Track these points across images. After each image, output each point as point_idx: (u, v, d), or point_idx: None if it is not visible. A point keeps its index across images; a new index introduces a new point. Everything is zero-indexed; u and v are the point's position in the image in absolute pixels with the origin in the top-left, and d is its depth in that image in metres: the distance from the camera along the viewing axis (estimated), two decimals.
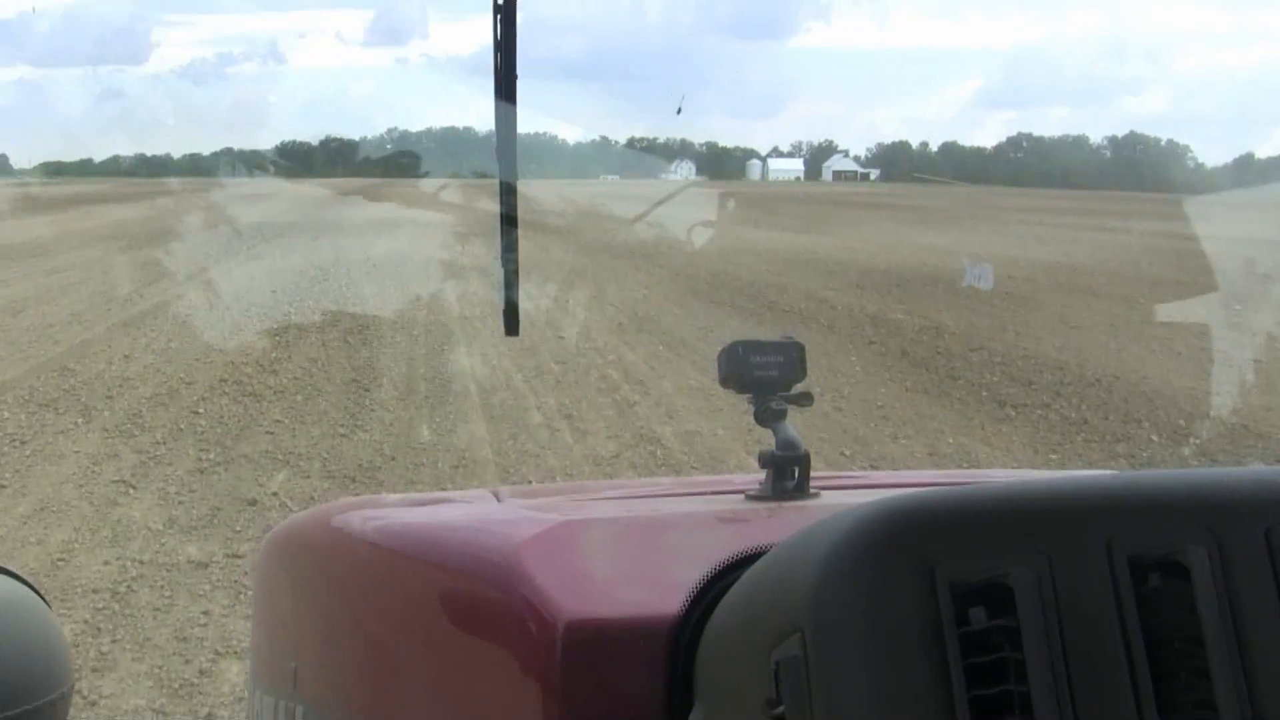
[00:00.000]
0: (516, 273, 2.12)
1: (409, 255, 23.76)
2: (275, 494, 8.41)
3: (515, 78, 2.00)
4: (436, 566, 1.45)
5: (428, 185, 47.21)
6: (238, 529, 7.69)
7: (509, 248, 2.10)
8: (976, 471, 3.43)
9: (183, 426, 10.30)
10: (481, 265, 21.35)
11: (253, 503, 8.21)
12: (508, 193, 2.06)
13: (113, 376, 12.35)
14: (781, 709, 0.89)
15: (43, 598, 1.48)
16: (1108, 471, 1.25)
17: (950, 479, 2.04)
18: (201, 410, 10.91)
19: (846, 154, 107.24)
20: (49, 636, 1.40)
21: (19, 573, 1.45)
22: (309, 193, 46.20)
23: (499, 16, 1.97)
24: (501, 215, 2.07)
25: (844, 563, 0.88)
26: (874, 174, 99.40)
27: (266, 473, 8.97)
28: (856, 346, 14.22)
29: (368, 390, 11.81)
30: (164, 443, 9.78)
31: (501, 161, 2.08)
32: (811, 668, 0.87)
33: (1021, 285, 19.57)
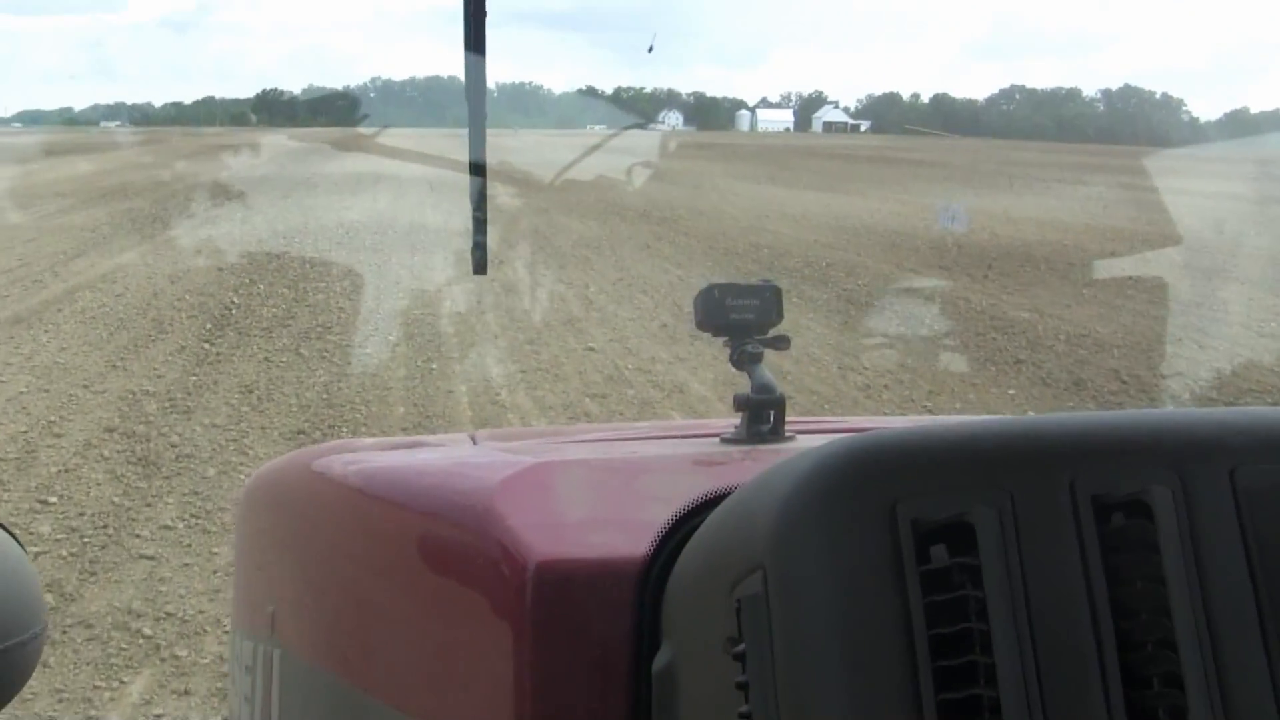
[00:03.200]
0: (484, 220, 2.09)
1: (388, 219, 19.35)
2: None
3: (485, 15, 1.96)
4: (409, 509, 1.37)
5: (410, 135, 42.80)
6: None
7: (478, 195, 2.09)
8: (948, 418, 2.14)
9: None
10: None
11: None
12: (477, 140, 2.03)
13: None
14: (742, 646, 0.84)
15: (15, 538, 1.29)
16: (1071, 412, 0.95)
17: (919, 423, 1.55)
18: (54, 497, 6.67)
19: (836, 105, 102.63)
20: (22, 577, 1.25)
21: None
22: (284, 144, 41.46)
23: None
24: (470, 163, 2.04)
25: (804, 499, 0.83)
26: (864, 125, 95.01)
27: (110, 677, 4.74)
28: (1001, 368, 9.98)
29: None
30: None
31: (471, 108, 2.01)
32: (772, 604, 0.82)
33: (1146, 268, 15.35)
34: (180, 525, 6.29)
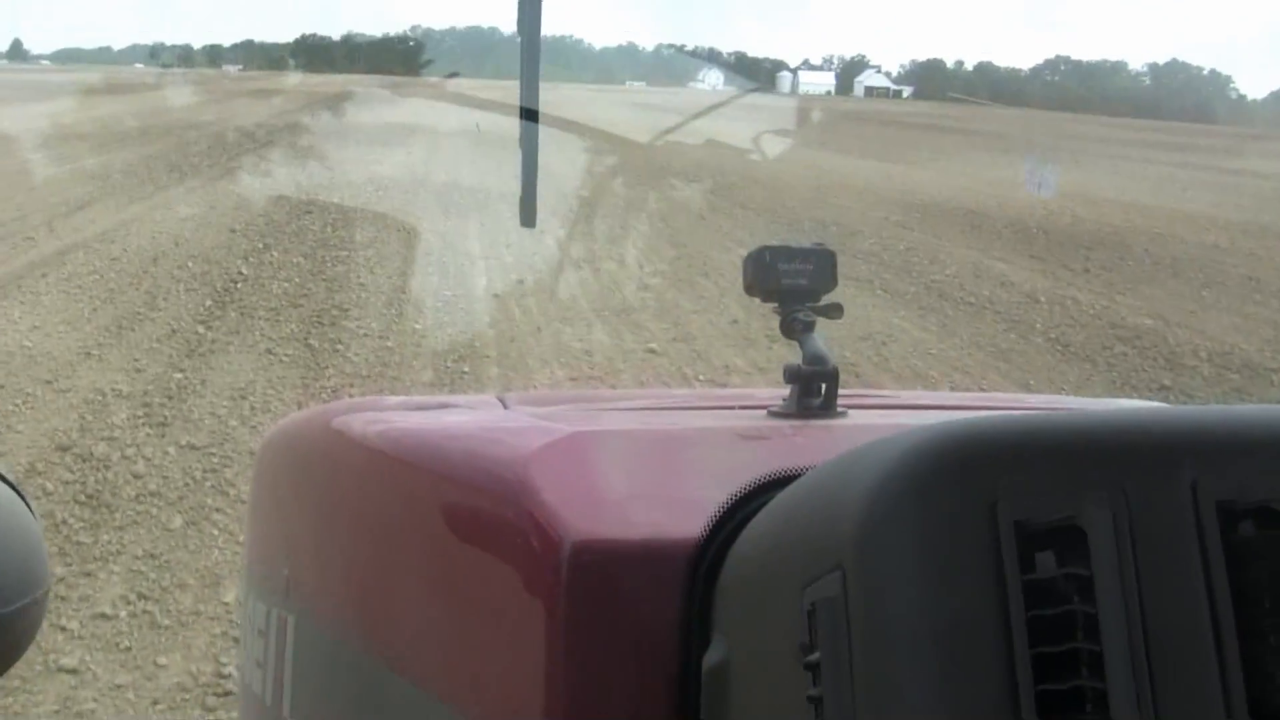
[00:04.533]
0: (535, 167, 2.01)
1: (422, 177, 17.59)
2: None
3: None
4: (435, 475, 1.23)
5: (450, 84, 40.95)
6: None
7: (529, 139, 2.01)
8: (1016, 396, 2.72)
9: None
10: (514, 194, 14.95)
11: None
12: (530, 86, 1.97)
13: None
14: (816, 656, 0.72)
15: (22, 496, 1.15)
16: (1196, 405, 0.83)
17: (993, 403, 1.66)
18: None
19: (879, 69, 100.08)
20: (27, 536, 1.12)
21: None
22: (318, 89, 39.60)
23: None
24: (521, 109, 1.97)
25: (894, 493, 0.71)
26: (906, 91, 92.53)
27: None
28: (1144, 396, 8.14)
29: None
30: None
31: (525, 54, 1.98)
32: (852, 610, 0.71)
33: (1261, 267, 13.45)
34: (123, 613, 4.58)
